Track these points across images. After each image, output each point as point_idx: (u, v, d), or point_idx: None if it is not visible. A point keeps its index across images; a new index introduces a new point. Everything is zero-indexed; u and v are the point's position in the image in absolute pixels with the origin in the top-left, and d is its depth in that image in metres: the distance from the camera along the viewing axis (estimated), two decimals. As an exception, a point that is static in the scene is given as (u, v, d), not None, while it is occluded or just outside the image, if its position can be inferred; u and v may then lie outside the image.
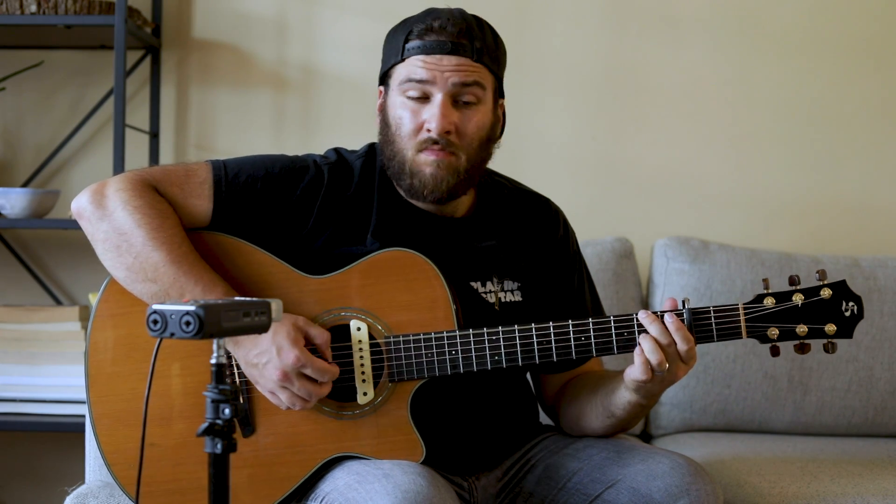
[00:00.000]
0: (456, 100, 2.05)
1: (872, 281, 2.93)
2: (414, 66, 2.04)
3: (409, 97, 2.05)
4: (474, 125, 2.06)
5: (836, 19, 3.25)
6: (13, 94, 3.30)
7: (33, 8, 3.02)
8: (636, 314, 1.98)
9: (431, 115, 2.03)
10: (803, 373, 2.89)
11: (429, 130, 2.03)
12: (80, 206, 2.04)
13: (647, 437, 2.98)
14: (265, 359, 1.95)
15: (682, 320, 1.96)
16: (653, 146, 3.26)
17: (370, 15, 3.27)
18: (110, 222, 2.00)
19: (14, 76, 3.26)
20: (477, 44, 2.05)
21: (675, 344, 1.95)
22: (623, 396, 2.03)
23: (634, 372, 1.96)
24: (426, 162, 2.04)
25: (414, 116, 2.05)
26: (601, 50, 3.27)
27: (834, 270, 2.91)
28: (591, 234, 3.06)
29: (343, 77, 3.27)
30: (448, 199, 2.09)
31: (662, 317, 1.96)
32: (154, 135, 3.26)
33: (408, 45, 2.05)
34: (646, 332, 1.96)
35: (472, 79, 2.04)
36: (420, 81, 2.03)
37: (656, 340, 1.94)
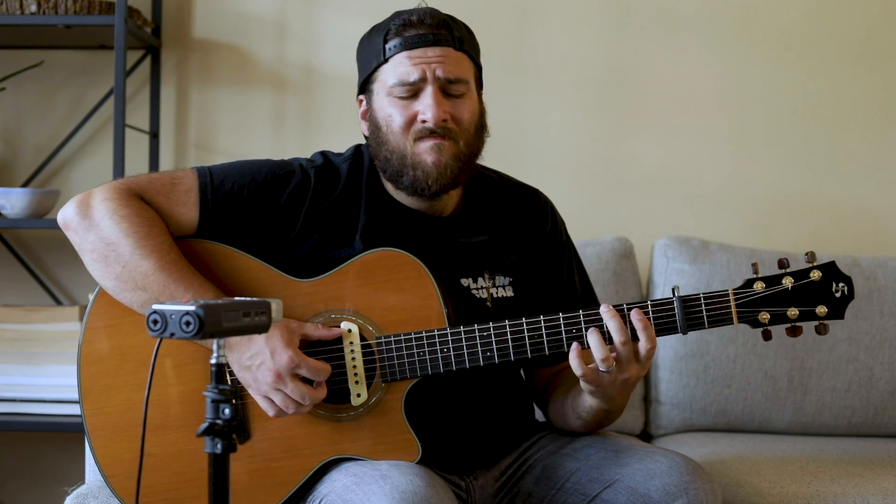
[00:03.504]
0: (445, 92, 2.04)
1: (872, 281, 2.93)
2: (400, 66, 2.03)
3: (398, 97, 2.04)
4: (468, 111, 2.07)
5: (835, 19, 3.25)
6: (13, 94, 3.30)
7: (33, 8, 3.02)
8: (600, 307, 1.96)
9: (425, 107, 2.02)
10: (803, 373, 2.89)
11: (423, 121, 2.03)
12: (67, 217, 2.03)
13: (647, 436, 2.98)
14: (259, 360, 1.94)
15: (650, 318, 1.94)
16: (652, 146, 3.26)
17: (370, 15, 3.24)
18: (97, 232, 1.99)
19: (14, 76, 3.26)
20: (457, 33, 2.06)
21: (632, 342, 1.93)
22: (585, 400, 2.04)
23: (573, 369, 1.95)
24: (426, 149, 2.04)
25: (404, 110, 2.04)
26: (601, 50, 3.27)
27: (834, 270, 2.91)
28: (592, 234, 3.06)
29: (343, 77, 3.26)
30: (449, 187, 2.07)
31: (631, 311, 1.95)
32: (154, 135, 3.26)
33: (388, 45, 2.05)
34: (599, 326, 1.95)
35: (455, 75, 2.04)
36: (411, 83, 2.02)
37: (609, 336, 1.93)
